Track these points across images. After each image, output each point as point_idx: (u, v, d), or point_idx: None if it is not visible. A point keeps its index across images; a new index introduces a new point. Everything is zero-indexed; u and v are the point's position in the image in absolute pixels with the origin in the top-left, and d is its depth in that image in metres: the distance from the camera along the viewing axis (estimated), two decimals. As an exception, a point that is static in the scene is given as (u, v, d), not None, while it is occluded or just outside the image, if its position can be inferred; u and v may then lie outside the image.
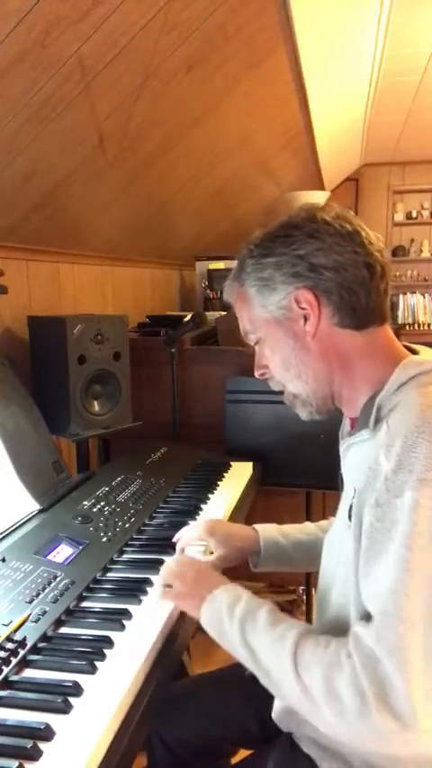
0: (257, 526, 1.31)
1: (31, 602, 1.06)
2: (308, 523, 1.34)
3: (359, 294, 0.95)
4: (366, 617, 0.83)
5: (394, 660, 0.75)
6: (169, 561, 1.15)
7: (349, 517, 0.92)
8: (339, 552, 0.98)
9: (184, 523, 1.38)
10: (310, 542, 1.28)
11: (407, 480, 0.80)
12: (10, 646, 0.94)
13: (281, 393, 1.08)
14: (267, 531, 1.30)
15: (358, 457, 0.96)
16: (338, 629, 0.91)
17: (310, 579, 2.37)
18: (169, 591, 1.08)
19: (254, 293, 1.00)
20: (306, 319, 0.97)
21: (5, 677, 0.89)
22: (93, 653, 0.96)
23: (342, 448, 1.03)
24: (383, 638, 0.77)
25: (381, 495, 0.83)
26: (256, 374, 1.08)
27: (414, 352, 1.00)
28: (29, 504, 1.43)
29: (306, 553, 1.27)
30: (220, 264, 3.47)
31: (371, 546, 0.83)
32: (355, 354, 0.97)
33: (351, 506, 0.92)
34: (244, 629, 0.92)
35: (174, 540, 1.33)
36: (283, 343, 1.00)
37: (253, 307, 1.01)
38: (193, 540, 1.30)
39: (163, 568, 1.13)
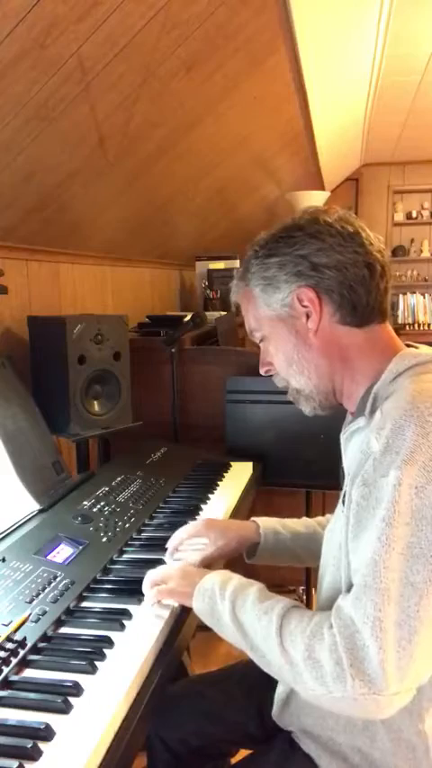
0: (257, 518, 1.33)
1: (31, 602, 1.06)
2: (306, 518, 1.36)
3: (359, 292, 0.98)
4: (350, 590, 0.86)
5: (370, 628, 0.80)
6: (149, 573, 1.14)
7: (343, 503, 0.95)
8: (335, 539, 1.00)
9: (183, 523, 1.38)
10: (309, 535, 1.30)
11: (393, 461, 0.84)
12: (10, 646, 0.95)
13: (284, 392, 1.10)
14: (267, 522, 1.33)
15: (355, 446, 0.99)
16: (329, 608, 0.92)
17: (309, 579, 2.37)
18: (159, 589, 1.08)
19: (258, 292, 1.04)
20: (308, 317, 1.00)
21: (5, 677, 0.89)
22: (93, 653, 0.96)
23: (343, 438, 1.05)
24: (362, 607, 0.81)
25: (368, 475, 0.87)
26: (262, 371, 1.11)
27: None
28: (29, 504, 1.43)
29: (304, 545, 1.29)
30: (220, 264, 3.47)
31: (357, 523, 0.87)
32: (355, 350, 1.01)
33: (345, 492, 0.95)
34: (234, 606, 0.95)
35: (168, 545, 1.31)
36: (287, 340, 1.03)
37: (258, 305, 1.05)
38: (189, 535, 1.29)
39: (146, 579, 1.12)
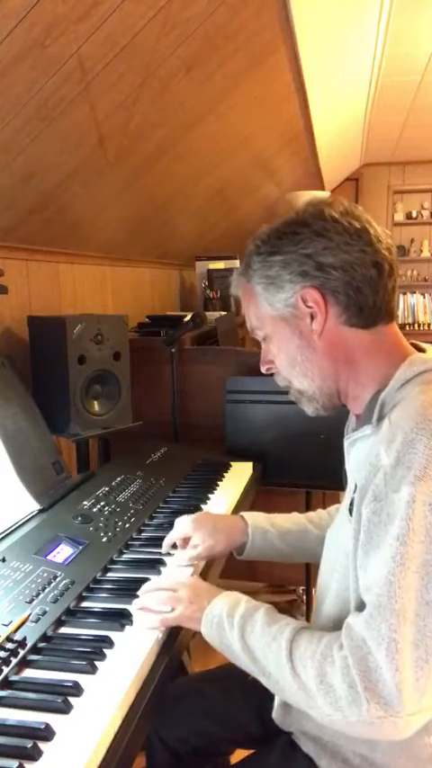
0: (245, 514, 1.32)
1: (31, 602, 1.06)
2: (296, 514, 1.34)
3: (366, 293, 0.95)
4: (361, 607, 0.84)
5: (385, 650, 0.78)
6: (153, 586, 1.10)
7: (350, 512, 0.93)
8: (339, 547, 0.99)
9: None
10: (299, 533, 1.28)
11: (405, 476, 0.82)
12: (10, 646, 0.95)
13: (285, 392, 1.08)
14: (256, 519, 1.30)
15: (361, 453, 0.97)
16: (339, 621, 0.91)
17: (309, 579, 2.37)
18: (168, 617, 1.03)
19: (260, 290, 1.00)
20: (313, 318, 0.97)
21: (5, 677, 0.89)
22: (93, 653, 0.96)
23: (346, 443, 1.04)
24: (375, 628, 0.79)
25: (379, 490, 0.84)
26: (263, 369, 1.09)
27: (421, 350, 1.01)
28: (29, 504, 1.43)
29: (293, 543, 1.27)
30: (220, 264, 3.47)
31: (368, 540, 0.85)
32: (361, 352, 0.98)
33: (352, 501, 0.93)
34: (243, 633, 0.93)
35: (163, 548, 1.31)
36: (290, 340, 1.01)
37: (259, 303, 1.02)
38: (180, 535, 1.29)
39: (152, 597, 1.07)
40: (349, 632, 0.82)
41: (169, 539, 1.30)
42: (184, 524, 1.29)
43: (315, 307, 0.96)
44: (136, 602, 1.09)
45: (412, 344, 1.02)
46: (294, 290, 0.97)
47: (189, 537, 1.28)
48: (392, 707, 0.77)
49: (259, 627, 0.92)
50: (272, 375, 1.09)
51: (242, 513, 1.33)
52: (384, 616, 0.79)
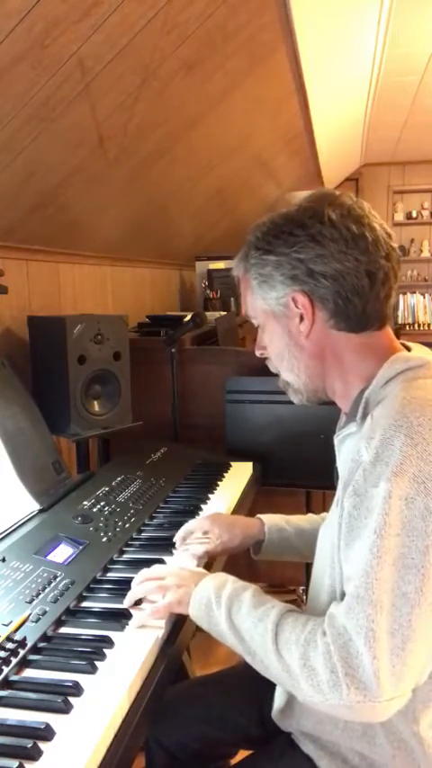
0: (262, 515, 1.34)
1: (31, 602, 1.06)
2: (311, 514, 1.36)
3: (355, 302, 0.95)
4: (343, 596, 0.87)
5: (363, 638, 0.81)
6: (139, 578, 1.10)
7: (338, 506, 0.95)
8: (329, 543, 1.00)
9: (183, 523, 1.38)
10: (314, 531, 1.28)
11: (383, 472, 0.84)
12: (10, 646, 0.95)
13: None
14: (272, 518, 1.33)
15: (348, 450, 0.99)
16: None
17: (309, 579, 2.37)
18: (158, 605, 1.03)
19: (255, 285, 1.02)
20: (302, 319, 0.99)
21: (5, 677, 0.89)
22: (93, 653, 0.96)
23: (336, 441, 1.05)
24: (354, 617, 0.82)
25: (359, 485, 0.87)
26: (257, 353, 1.11)
27: (408, 349, 1.02)
28: (29, 504, 1.43)
29: (308, 541, 1.28)
30: (220, 264, 3.47)
31: (348, 532, 0.88)
32: (348, 353, 1.00)
33: (338, 497, 0.95)
34: (230, 612, 0.95)
35: (176, 537, 1.33)
36: (279, 336, 1.03)
37: (255, 296, 1.04)
38: (195, 529, 1.31)
39: (140, 587, 1.08)
40: (332, 620, 0.85)
41: (185, 531, 1.31)
42: (199, 520, 1.32)
43: (303, 310, 0.98)
44: (126, 599, 1.09)
45: (401, 344, 1.03)
46: (285, 291, 0.98)
47: (203, 531, 1.30)
48: (371, 692, 0.80)
49: (246, 608, 0.94)
50: (266, 359, 1.10)
51: (258, 515, 1.35)
52: (362, 606, 0.82)
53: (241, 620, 0.94)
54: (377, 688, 0.80)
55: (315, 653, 0.84)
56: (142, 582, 1.09)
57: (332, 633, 0.84)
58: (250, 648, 0.92)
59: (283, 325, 1.02)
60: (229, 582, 1.00)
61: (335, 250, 0.94)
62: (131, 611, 1.07)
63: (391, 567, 0.82)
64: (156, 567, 1.13)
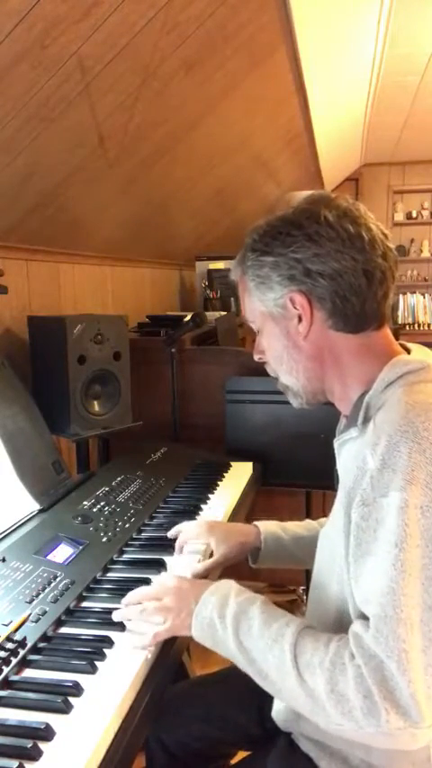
0: (258, 522, 1.32)
1: (31, 602, 1.06)
2: (309, 520, 1.35)
3: (353, 301, 0.95)
4: (364, 616, 0.83)
5: (396, 661, 0.76)
6: (136, 597, 1.04)
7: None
8: (334, 550, 0.98)
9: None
10: (311, 538, 1.27)
11: (392, 479, 0.82)
12: (10, 646, 0.94)
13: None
14: (268, 526, 1.31)
15: (349, 454, 0.97)
16: (340, 625, 0.91)
17: (309, 579, 2.37)
18: (159, 630, 0.98)
19: (253, 287, 1.02)
20: (300, 320, 0.98)
21: (5, 677, 0.89)
22: (93, 653, 0.96)
23: (336, 445, 1.04)
24: (384, 639, 0.78)
25: (366, 494, 0.84)
26: (255, 357, 1.10)
27: (408, 351, 1.01)
28: (29, 504, 1.43)
29: (306, 549, 1.27)
30: (220, 264, 3.47)
31: (358, 546, 0.84)
32: (347, 355, 0.99)
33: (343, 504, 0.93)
34: (238, 632, 0.91)
35: (171, 534, 1.32)
36: (278, 339, 1.02)
37: (252, 298, 1.03)
38: (192, 538, 1.30)
39: (136, 609, 1.02)
40: (359, 642, 0.80)
41: (184, 538, 1.30)
42: (196, 528, 1.30)
43: (301, 310, 0.97)
44: (116, 613, 1.04)
45: (401, 345, 1.02)
46: (283, 292, 0.98)
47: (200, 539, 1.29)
48: (411, 716, 0.76)
49: (257, 627, 0.90)
50: (265, 364, 1.09)
51: (255, 522, 1.33)
52: (391, 627, 0.77)
53: (252, 642, 0.89)
54: (417, 713, 0.75)
55: (344, 677, 0.79)
56: (139, 601, 1.04)
57: (362, 655, 0.79)
58: (262, 671, 0.88)
59: (281, 327, 1.01)
60: (232, 596, 0.95)
61: (332, 249, 0.93)
62: (129, 629, 1.02)
63: (416, 580, 0.78)
64: (153, 584, 1.07)
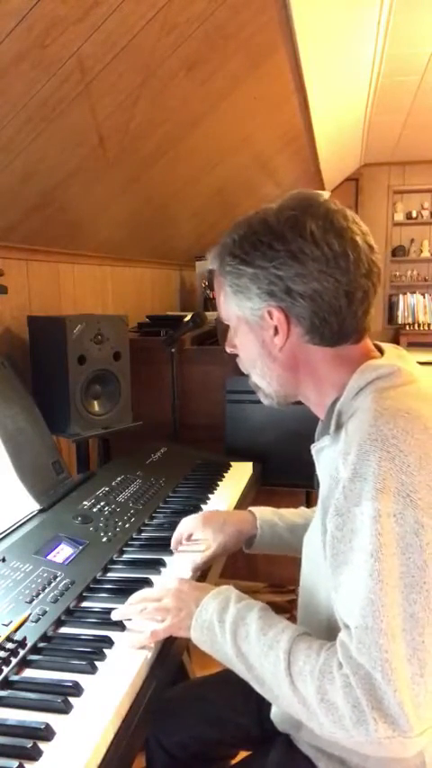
0: (253, 508, 1.33)
1: (31, 602, 1.06)
2: (303, 508, 1.35)
3: (331, 322, 0.93)
4: (347, 626, 0.82)
5: (381, 671, 0.76)
6: (137, 597, 1.06)
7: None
8: (316, 557, 0.97)
9: (184, 524, 1.38)
10: (306, 526, 1.27)
11: (363, 489, 0.81)
12: (10, 646, 0.95)
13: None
14: (264, 513, 1.32)
15: (325, 462, 0.97)
16: (330, 631, 0.91)
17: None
18: (157, 629, 0.99)
19: (230, 292, 0.99)
20: (276, 332, 0.96)
21: (5, 677, 0.89)
22: (93, 653, 0.96)
23: (314, 451, 1.03)
24: (366, 650, 0.77)
25: (340, 504, 0.84)
26: (227, 349, 1.08)
27: (382, 352, 0.99)
28: (29, 504, 1.43)
29: (301, 536, 1.27)
30: (220, 264, 3.46)
31: (335, 556, 0.84)
32: (323, 364, 0.97)
33: (320, 513, 0.93)
34: (236, 638, 0.91)
35: (172, 546, 1.32)
36: (252, 345, 1.01)
37: (229, 301, 1.01)
38: (188, 531, 1.31)
39: (137, 608, 1.03)
40: (346, 651, 0.80)
41: (177, 536, 1.31)
42: (192, 521, 1.31)
43: (278, 324, 0.95)
44: (116, 612, 1.05)
45: (375, 345, 1.00)
46: (261, 305, 0.96)
47: (192, 533, 1.30)
48: (400, 725, 0.75)
49: (254, 633, 0.90)
50: (236, 357, 1.08)
51: (250, 508, 1.34)
52: (373, 637, 0.77)
53: (249, 647, 0.89)
54: (406, 722, 0.75)
55: (333, 686, 0.79)
56: (139, 602, 1.05)
57: (350, 665, 0.79)
58: (259, 677, 0.88)
59: (256, 335, 0.99)
60: (232, 601, 0.95)
61: (315, 269, 0.91)
62: (129, 628, 1.03)
63: (395, 589, 0.78)
64: (156, 586, 1.09)
